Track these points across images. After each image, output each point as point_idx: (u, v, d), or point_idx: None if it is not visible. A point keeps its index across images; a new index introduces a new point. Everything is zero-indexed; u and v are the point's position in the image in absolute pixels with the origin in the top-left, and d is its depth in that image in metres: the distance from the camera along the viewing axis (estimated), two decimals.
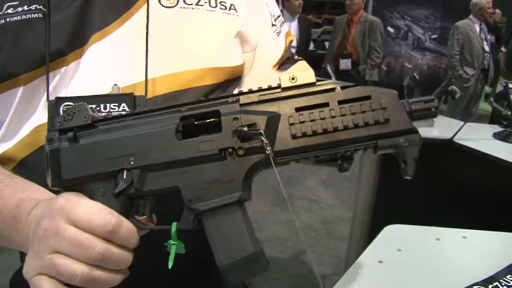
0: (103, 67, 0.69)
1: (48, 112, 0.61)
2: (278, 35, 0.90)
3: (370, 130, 0.51)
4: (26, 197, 0.58)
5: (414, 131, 0.51)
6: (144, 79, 0.69)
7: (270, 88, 0.53)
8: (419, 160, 0.51)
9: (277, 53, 0.89)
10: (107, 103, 0.58)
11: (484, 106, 5.33)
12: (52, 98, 0.63)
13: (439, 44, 6.53)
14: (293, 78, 0.53)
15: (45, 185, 0.60)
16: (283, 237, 3.10)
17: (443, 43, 6.18)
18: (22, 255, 0.79)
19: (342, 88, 0.52)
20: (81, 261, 0.49)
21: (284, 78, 0.53)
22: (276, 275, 2.61)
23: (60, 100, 0.62)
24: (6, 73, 0.65)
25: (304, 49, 4.68)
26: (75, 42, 0.68)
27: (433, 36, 6.61)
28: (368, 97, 0.51)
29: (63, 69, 0.68)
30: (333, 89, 0.52)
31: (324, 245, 3.01)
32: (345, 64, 4.47)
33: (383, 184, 2.24)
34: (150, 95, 0.69)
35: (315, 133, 0.51)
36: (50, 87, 0.66)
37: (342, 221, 3.40)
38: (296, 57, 0.93)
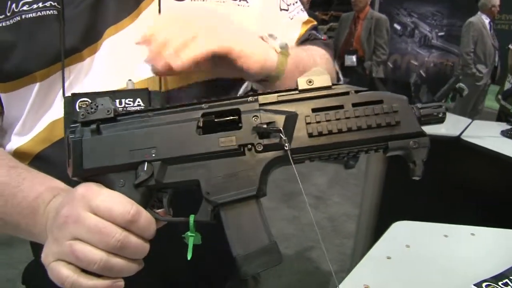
0: (117, 62, 0.70)
1: (64, 108, 0.62)
2: (291, 19, 0.88)
3: (382, 132, 0.53)
4: (44, 190, 0.59)
5: (423, 134, 0.54)
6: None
7: (288, 90, 0.56)
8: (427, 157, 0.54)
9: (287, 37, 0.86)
10: (122, 99, 0.59)
11: (490, 104, 5.30)
12: (68, 94, 0.64)
13: (446, 41, 6.48)
14: (310, 81, 0.55)
15: (60, 179, 0.62)
16: (289, 233, 3.11)
17: (450, 41, 6.14)
18: (34, 249, 0.80)
19: (356, 92, 0.55)
20: (100, 249, 0.50)
21: (301, 81, 0.55)
22: (281, 272, 2.61)
23: (76, 96, 0.64)
24: (22, 70, 0.66)
25: None
26: (89, 38, 0.69)
27: (440, 34, 6.57)
28: (380, 101, 0.54)
29: (78, 65, 0.68)
30: (347, 93, 0.55)
31: (330, 242, 3.01)
32: (350, 60, 4.47)
33: (389, 182, 2.23)
34: (163, 89, 0.70)
35: (330, 133, 0.53)
36: (66, 83, 0.67)
37: (348, 218, 3.40)
38: (322, 37, 0.91)
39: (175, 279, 0.82)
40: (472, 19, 4.56)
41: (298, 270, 2.69)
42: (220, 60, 0.61)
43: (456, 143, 2.00)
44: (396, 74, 6.48)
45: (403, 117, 0.53)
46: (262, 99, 0.55)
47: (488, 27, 4.55)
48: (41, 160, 0.69)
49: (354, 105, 0.54)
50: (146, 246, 0.53)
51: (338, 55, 4.61)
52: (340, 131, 0.53)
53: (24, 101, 0.68)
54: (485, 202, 1.80)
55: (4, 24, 0.65)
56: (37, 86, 0.67)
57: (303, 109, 0.54)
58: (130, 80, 0.66)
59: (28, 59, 0.66)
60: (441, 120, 0.56)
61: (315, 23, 0.94)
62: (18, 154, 0.70)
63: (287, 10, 0.88)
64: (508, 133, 2.05)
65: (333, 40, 4.72)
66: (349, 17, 4.64)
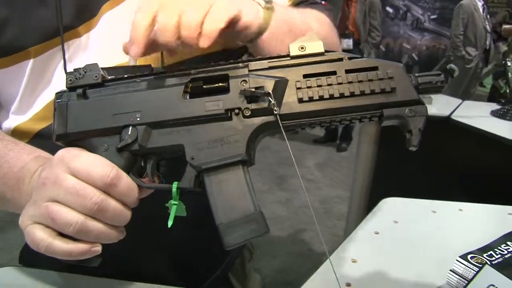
0: (116, 38, 0.68)
1: (66, 84, 0.61)
2: None
3: (376, 99, 0.51)
4: (30, 160, 0.59)
5: (420, 102, 0.51)
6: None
7: (279, 56, 0.54)
8: None
9: None
10: (125, 75, 0.58)
11: (481, 88, 5.32)
12: (69, 70, 0.63)
13: (438, 24, 6.47)
14: (302, 48, 0.53)
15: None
16: (282, 216, 3.13)
17: (443, 24, 6.13)
18: None
19: (350, 58, 0.53)
20: (78, 211, 0.49)
21: (293, 47, 0.54)
22: (275, 253, 2.64)
23: None
24: (16, 45, 0.65)
25: None
26: (84, 15, 0.68)
27: (432, 17, 6.55)
28: (375, 68, 0.52)
29: (76, 41, 0.68)
30: (341, 59, 0.53)
31: (323, 224, 3.04)
32: (346, 43, 4.46)
33: (380, 163, 2.24)
34: (166, 63, 0.68)
35: (321, 98, 0.51)
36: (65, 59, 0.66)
37: (340, 201, 3.42)
38: (322, 2, 0.88)
39: (178, 253, 0.82)
40: (463, 1, 4.56)
41: (291, 251, 2.72)
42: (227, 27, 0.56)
43: (446, 123, 2.00)
44: (389, 57, 6.47)
45: (399, 84, 0.51)
46: (252, 65, 0.54)
47: (480, 9, 4.54)
48: (41, 138, 0.68)
49: (347, 71, 0.52)
50: (127, 212, 0.52)
51: None
52: (332, 97, 0.51)
53: (18, 78, 0.67)
54: (474, 180, 1.82)
55: None
56: (31, 62, 0.66)
57: (294, 75, 0.52)
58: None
59: (22, 34, 0.64)
60: (439, 89, 0.54)
61: None
62: (17, 133, 0.69)
63: None
64: (498, 113, 2.06)
65: None
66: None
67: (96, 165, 0.50)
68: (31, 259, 0.74)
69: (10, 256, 2.44)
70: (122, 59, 0.66)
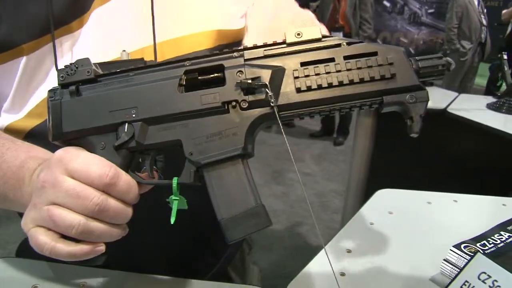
0: (109, 33, 0.68)
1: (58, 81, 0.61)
2: None
3: (376, 85, 0.50)
4: (29, 158, 0.58)
5: (421, 88, 0.50)
6: (151, 43, 0.68)
7: (275, 43, 0.53)
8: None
9: None
10: (118, 69, 0.57)
11: (480, 81, 5.32)
12: (61, 67, 0.63)
13: (435, 18, 6.47)
14: (298, 34, 0.52)
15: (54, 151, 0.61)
16: (278, 210, 3.13)
17: (440, 18, 6.13)
18: None
19: (348, 44, 0.52)
20: (78, 212, 0.49)
21: (290, 34, 0.52)
22: (271, 246, 2.64)
23: None
24: (8, 42, 0.64)
25: None
26: (76, 10, 0.67)
27: (429, 11, 6.54)
28: (374, 53, 0.51)
29: (69, 37, 0.67)
30: (339, 45, 0.51)
31: (319, 218, 3.04)
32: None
33: (377, 156, 2.25)
34: (159, 59, 0.68)
35: (320, 87, 0.50)
36: (58, 56, 0.65)
37: (337, 194, 3.43)
38: None
39: (178, 249, 0.83)
40: None
41: (288, 245, 2.72)
42: None
43: (442, 116, 2.01)
44: None
45: (399, 69, 0.50)
46: (248, 54, 0.52)
47: (476, 3, 4.54)
48: (35, 135, 0.67)
49: (346, 57, 0.50)
50: (128, 210, 0.52)
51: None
52: (330, 85, 0.50)
53: (11, 76, 0.66)
54: (469, 172, 1.83)
55: None
56: (24, 59, 0.65)
57: (291, 64, 0.51)
58: (124, 50, 0.64)
59: (14, 31, 0.64)
60: (441, 73, 0.52)
61: None
62: (11, 131, 0.68)
63: None
64: (494, 106, 2.06)
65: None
66: None
67: (94, 165, 0.50)
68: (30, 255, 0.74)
69: (6, 251, 2.43)
70: (114, 55, 0.66)
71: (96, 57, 0.62)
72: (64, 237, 0.50)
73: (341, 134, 4.75)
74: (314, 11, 7.17)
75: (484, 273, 0.54)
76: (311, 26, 0.53)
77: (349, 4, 4.39)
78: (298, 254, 2.58)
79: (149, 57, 0.67)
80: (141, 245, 0.73)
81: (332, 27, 4.46)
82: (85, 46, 0.68)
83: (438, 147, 1.98)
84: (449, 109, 2.04)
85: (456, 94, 2.42)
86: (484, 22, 4.62)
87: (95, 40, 0.68)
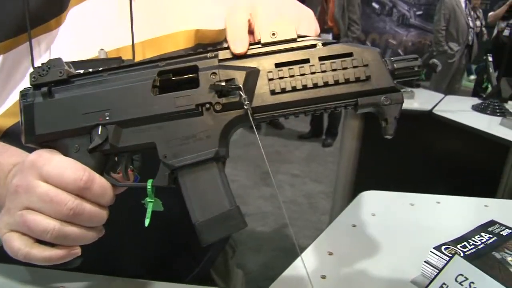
0: (87, 32, 0.67)
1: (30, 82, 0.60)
2: None
3: (350, 87, 0.50)
4: (3, 160, 0.57)
5: (396, 89, 0.50)
6: (129, 43, 0.67)
7: (249, 43, 0.52)
8: (398, 131, 0.50)
9: None
10: (95, 68, 0.56)
11: (467, 83, 5.37)
12: (38, 65, 0.62)
13: (424, 20, 6.53)
14: (273, 34, 0.51)
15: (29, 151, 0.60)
16: (267, 211, 3.12)
17: (428, 20, 6.19)
18: None
19: (324, 44, 0.51)
20: (53, 217, 0.48)
21: (265, 34, 0.51)
22: (259, 248, 2.64)
23: None
24: None
25: None
26: (54, 8, 0.66)
27: (418, 13, 6.61)
28: (350, 54, 0.50)
29: (47, 35, 0.66)
30: (314, 45, 0.51)
31: (307, 219, 3.04)
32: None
33: (364, 157, 2.26)
34: (139, 58, 0.67)
35: (294, 89, 0.50)
36: (35, 54, 0.63)
37: (325, 196, 3.43)
38: None
39: (157, 251, 0.82)
40: None
41: (275, 246, 2.72)
42: None
43: (428, 117, 2.02)
44: None
45: (374, 70, 0.49)
46: (222, 54, 0.52)
47: (463, 5, 4.59)
48: (12, 134, 0.66)
49: (321, 58, 0.50)
50: (103, 213, 0.52)
51: None
52: (305, 87, 0.49)
53: None
54: (455, 173, 1.84)
55: None
56: (0, 58, 0.63)
57: (265, 65, 0.50)
58: (102, 49, 0.63)
59: None
60: (416, 74, 0.52)
61: None
62: None
63: None
64: (479, 107, 2.08)
65: None
66: None
67: (68, 169, 0.49)
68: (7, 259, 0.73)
69: None
70: (92, 54, 0.65)
71: (74, 56, 0.60)
72: (39, 241, 0.50)
73: (330, 136, 4.77)
74: None
75: (461, 275, 0.54)
76: (287, 25, 0.52)
77: (337, 5, 4.41)
78: (286, 256, 2.57)
79: (128, 56, 0.66)
80: (120, 246, 0.72)
81: (321, 29, 4.46)
82: (63, 45, 0.67)
83: (425, 148, 2.00)
84: (435, 111, 2.05)
85: (442, 95, 2.44)
86: (471, 24, 4.67)
87: (73, 39, 0.67)
